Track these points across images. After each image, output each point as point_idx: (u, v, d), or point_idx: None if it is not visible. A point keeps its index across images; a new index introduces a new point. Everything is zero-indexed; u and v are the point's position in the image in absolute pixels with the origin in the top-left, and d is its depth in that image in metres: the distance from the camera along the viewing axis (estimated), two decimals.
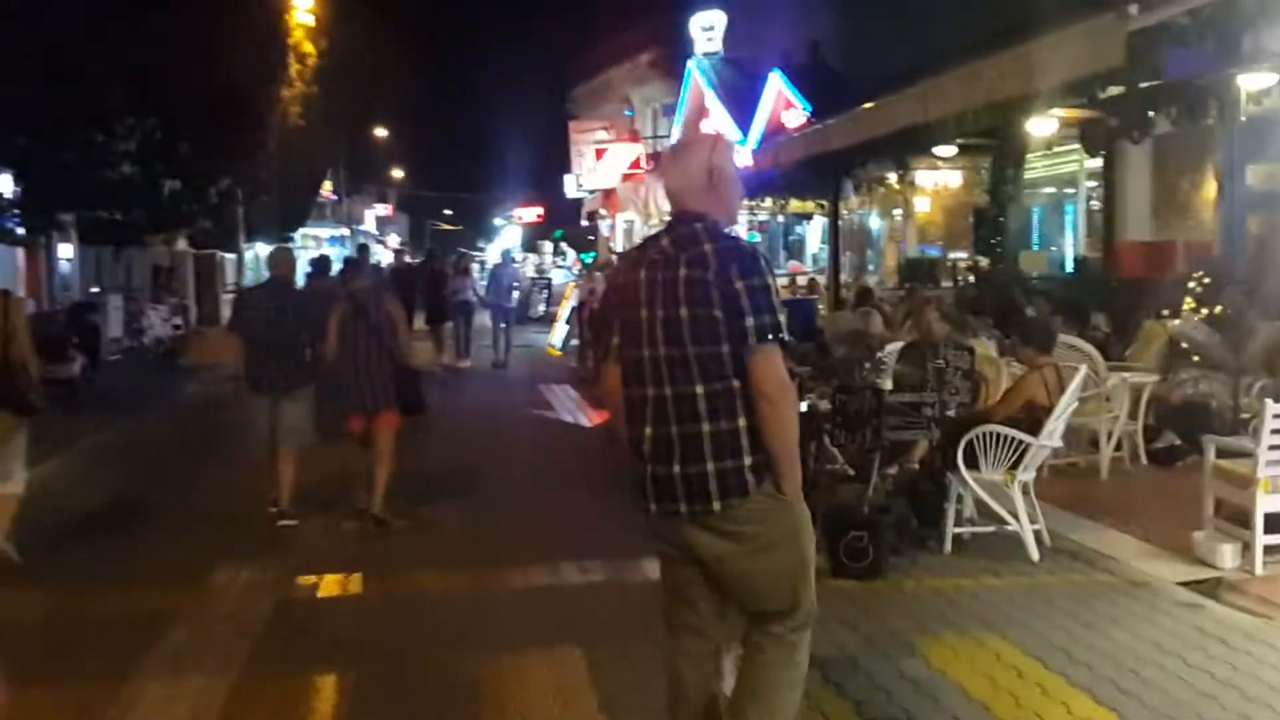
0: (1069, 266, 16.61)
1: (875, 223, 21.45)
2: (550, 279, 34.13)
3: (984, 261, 15.35)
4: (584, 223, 37.40)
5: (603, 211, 33.39)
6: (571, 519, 8.52)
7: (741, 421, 3.39)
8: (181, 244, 29.38)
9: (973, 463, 7.02)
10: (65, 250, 23.58)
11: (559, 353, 22.69)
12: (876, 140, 14.36)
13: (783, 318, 3.40)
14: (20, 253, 21.16)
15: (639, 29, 33.29)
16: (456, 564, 7.42)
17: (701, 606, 3.68)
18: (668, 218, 3.66)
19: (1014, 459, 6.99)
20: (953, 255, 17.39)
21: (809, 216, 24.47)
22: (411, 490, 9.12)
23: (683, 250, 3.45)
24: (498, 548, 7.82)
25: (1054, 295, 13.39)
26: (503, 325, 20.40)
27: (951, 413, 7.22)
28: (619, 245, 30.48)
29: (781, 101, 17.58)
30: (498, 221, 68.07)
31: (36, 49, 15.96)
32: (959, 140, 13.99)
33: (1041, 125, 12.49)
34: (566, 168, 40.67)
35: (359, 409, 8.33)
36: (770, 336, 3.37)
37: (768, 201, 22.26)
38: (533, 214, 52.39)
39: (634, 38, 33.73)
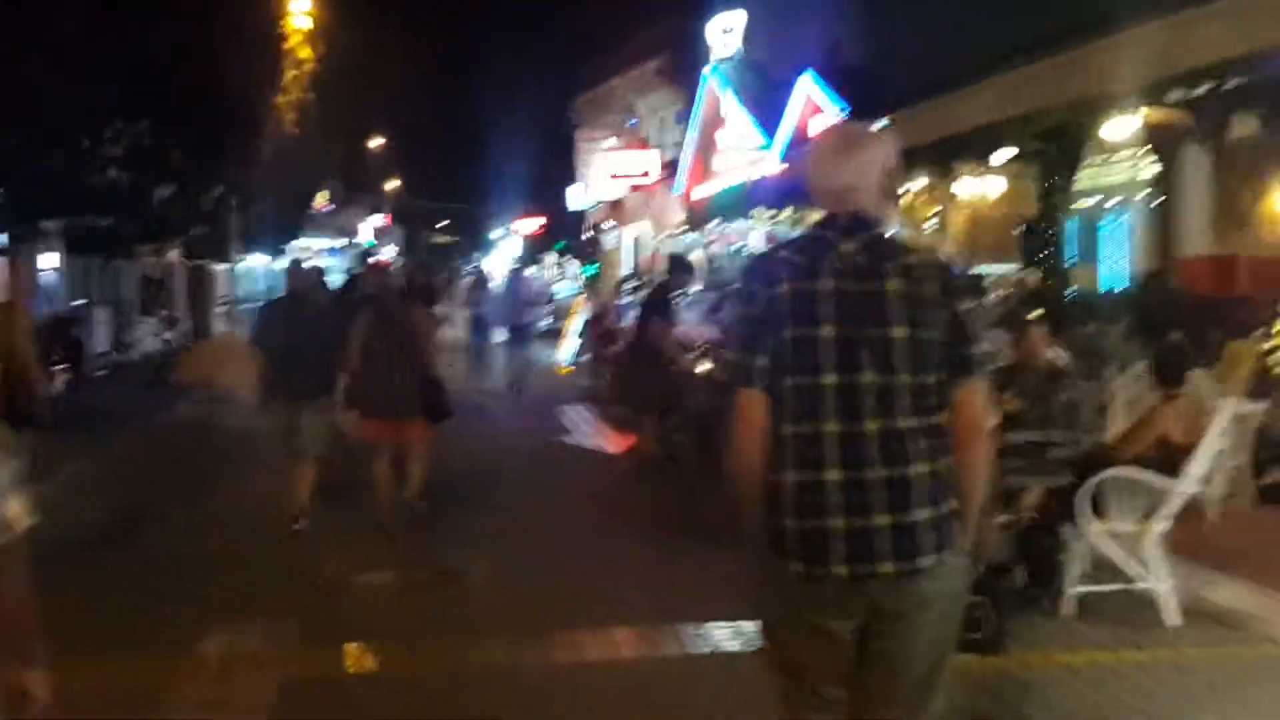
0: (1121, 282, 15.57)
1: (902, 236, 20.45)
2: (553, 292, 33.08)
3: (1032, 276, 14.31)
4: (587, 234, 36.44)
5: (608, 224, 32.40)
6: (623, 570, 7.47)
7: (947, 462, 2.93)
8: (173, 255, 28.34)
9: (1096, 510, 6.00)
10: (50, 260, 22.41)
11: (569, 369, 21.60)
12: (927, 144, 13.35)
13: None
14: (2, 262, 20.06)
15: (645, 36, 32.36)
16: (492, 629, 6.30)
17: (828, 694, 3.09)
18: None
19: (1148, 506, 5.96)
20: (988, 269, 16.39)
21: None
22: (434, 536, 8.09)
23: (884, 259, 2.95)
24: (540, 608, 6.69)
25: (1115, 313, 12.39)
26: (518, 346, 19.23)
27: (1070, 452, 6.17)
28: (627, 257, 29.45)
29: (810, 105, 16.60)
30: (495, 234, 67.06)
31: (33, 52, 15.01)
32: (1013, 145, 12.98)
33: (1116, 127, 11.46)
34: (568, 179, 39.72)
35: (385, 417, 8.51)
36: (983, 368, 3.07)
37: (786, 212, 21.27)
38: (532, 225, 51.28)
39: (640, 45, 32.79)
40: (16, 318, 6.97)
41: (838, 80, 16.06)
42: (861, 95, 15.05)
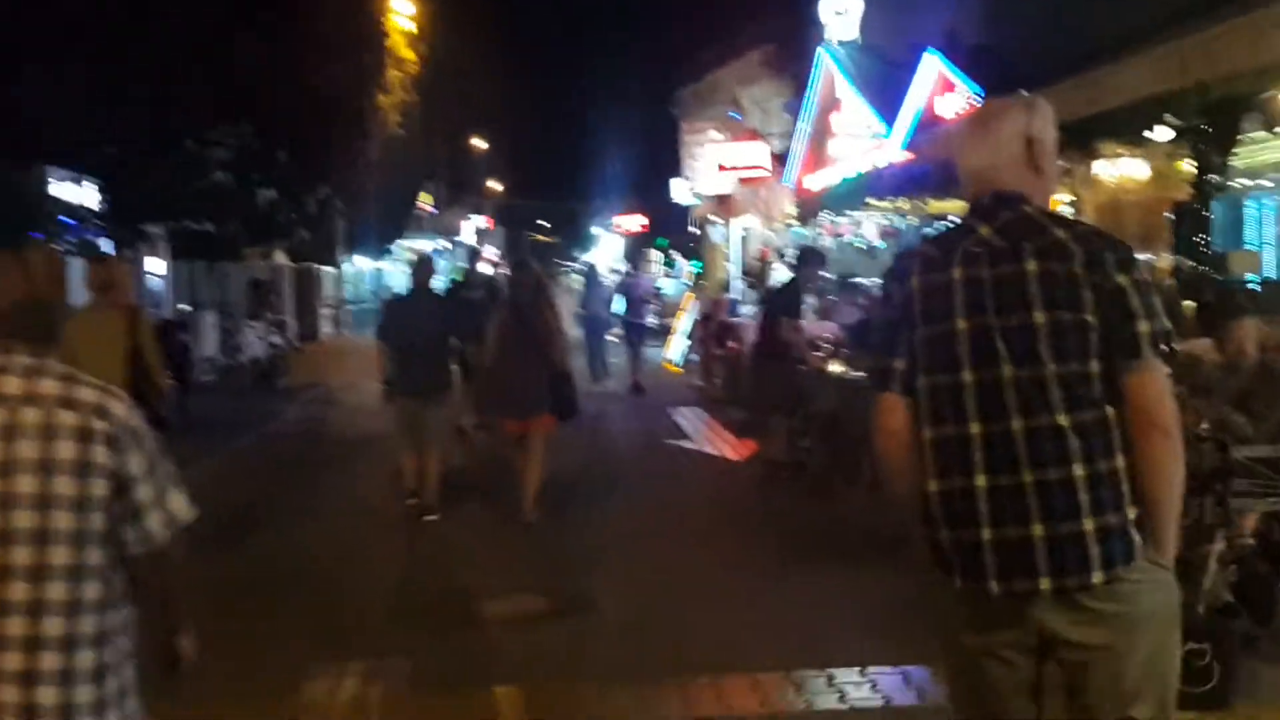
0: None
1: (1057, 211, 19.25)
2: (660, 288, 32.42)
3: (1187, 264, 13.22)
4: (691, 229, 35.67)
5: (713, 218, 31.58)
6: (765, 597, 6.76)
7: (1120, 461, 2.62)
8: (279, 257, 28.31)
9: None
10: (156, 265, 22.32)
11: (678, 369, 20.94)
12: (1069, 123, 12.30)
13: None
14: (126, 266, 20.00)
15: (749, 25, 31.54)
16: (626, 669, 5.61)
17: None
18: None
19: None
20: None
21: (943, 218, 22.40)
22: (553, 554, 7.45)
23: (1022, 239, 2.72)
24: (675, 646, 5.96)
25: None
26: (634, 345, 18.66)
27: None
28: (735, 252, 28.61)
29: (939, 85, 15.67)
30: (595, 230, 66.71)
31: (138, 68, 14.84)
32: (1173, 120, 11.92)
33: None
34: (669, 174, 39.00)
35: (514, 413, 8.65)
36: (1163, 346, 2.66)
37: (900, 203, 20.29)
38: (635, 223, 50.73)
39: (743, 35, 31.96)
40: (141, 320, 6.92)
41: (966, 59, 15.09)
42: (993, 73, 14.08)
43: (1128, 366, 2.61)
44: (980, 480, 2.62)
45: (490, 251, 58.04)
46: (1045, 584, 2.57)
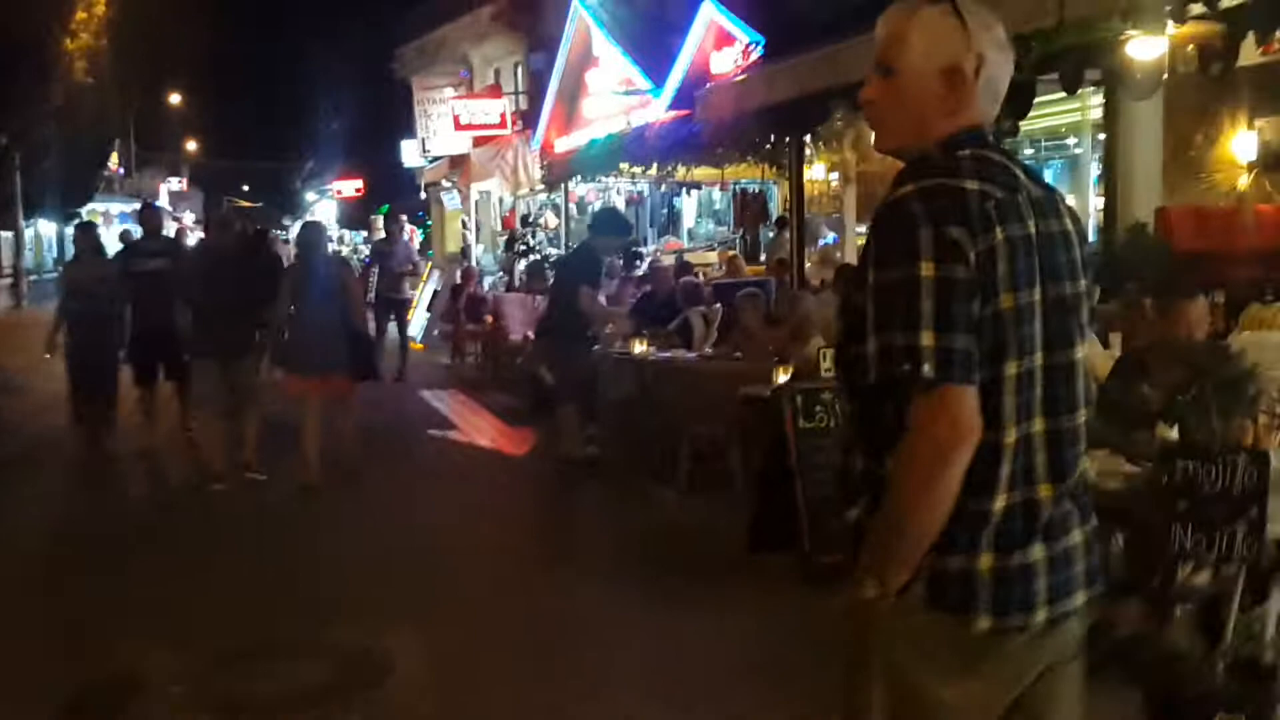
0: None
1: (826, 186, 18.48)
2: (417, 258, 30.34)
3: None
4: (422, 195, 33.68)
5: (446, 182, 29.77)
6: (598, 638, 5.33)
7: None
8: None
9: None
10: None
11: (419, 345, 19.18)
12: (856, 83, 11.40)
13: None
14: None
15: None
16: None
17: None
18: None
19: None
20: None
21: (697, 185, 21.51)
22: (323, 589, 5.84)
23: (1047, 190, 2.26)
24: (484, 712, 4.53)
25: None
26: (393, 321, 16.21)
27: None
28: (473, 220, 26.91)
29: (712, 38, 14.58)
30: (310, 196, 63.20)
31: None
32: None
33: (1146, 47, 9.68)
34: (392, 135, 36.83)
35: (311, 371, 8.47)
36: None
37: (651, 170, 19.18)
38: (352, 187, 48.00)
39: None
40: None
41: (746, 7, 14.03)
42: (779, 22, 13.06)
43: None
44: (1045, 490, 2.17)
45: (187, 217, 53.96)
46: (1080, 599, 2.22)
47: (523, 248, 20.72)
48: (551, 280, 9.98)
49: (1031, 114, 12.47)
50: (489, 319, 15.26)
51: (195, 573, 6.51)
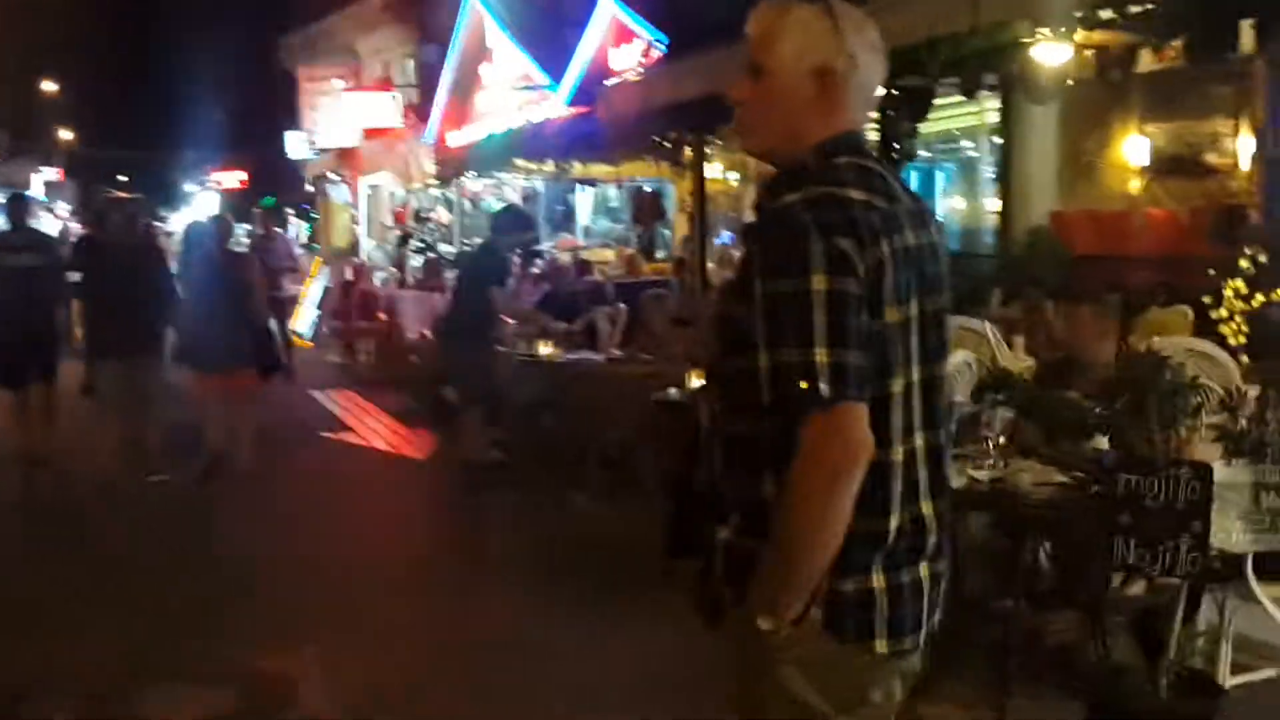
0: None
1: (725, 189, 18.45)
2: (299, 252, 29.64)
3: None
4: (308, 188, 32.89)
5: (332, 175, 29.11)
6: (528, 656, 5.14)
7: None
8: None
9: None
10: None
11: (308, 343, 18.68)
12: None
13: None
14: None
15: None
16: None
17: None
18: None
19: None
20: None
21: (591, 182, 21.37)
22: (227, 606, 5.56)
23: (915, 199, 2.22)
24: None
25: (983, 274, 11.03)
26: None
27: None
28: (363, 214, 26.32)
29: (612, 34, 14.41)
30: (190, 187, 61.41)
31: None
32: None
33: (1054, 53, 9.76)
34: (275, 126, 35.93)
35: (215, 367, 8.24)
36: None
37: (546, 165, 18.95)
38: (235, 179, 46.78)
39: None
40: None
41: (646, 4, 13.87)
42: (680, 20, 12.95)
43: None
44: (926, 507, 2.15)
45: (61, 208, 52.13)
46: (937, 616, 2.20)
47: (418, 244, 20.33)
48: (455, 279, 9.71)
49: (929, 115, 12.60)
50: (382, 316, 14.89)
51: (86, 584, 6.15)
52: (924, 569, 2.13)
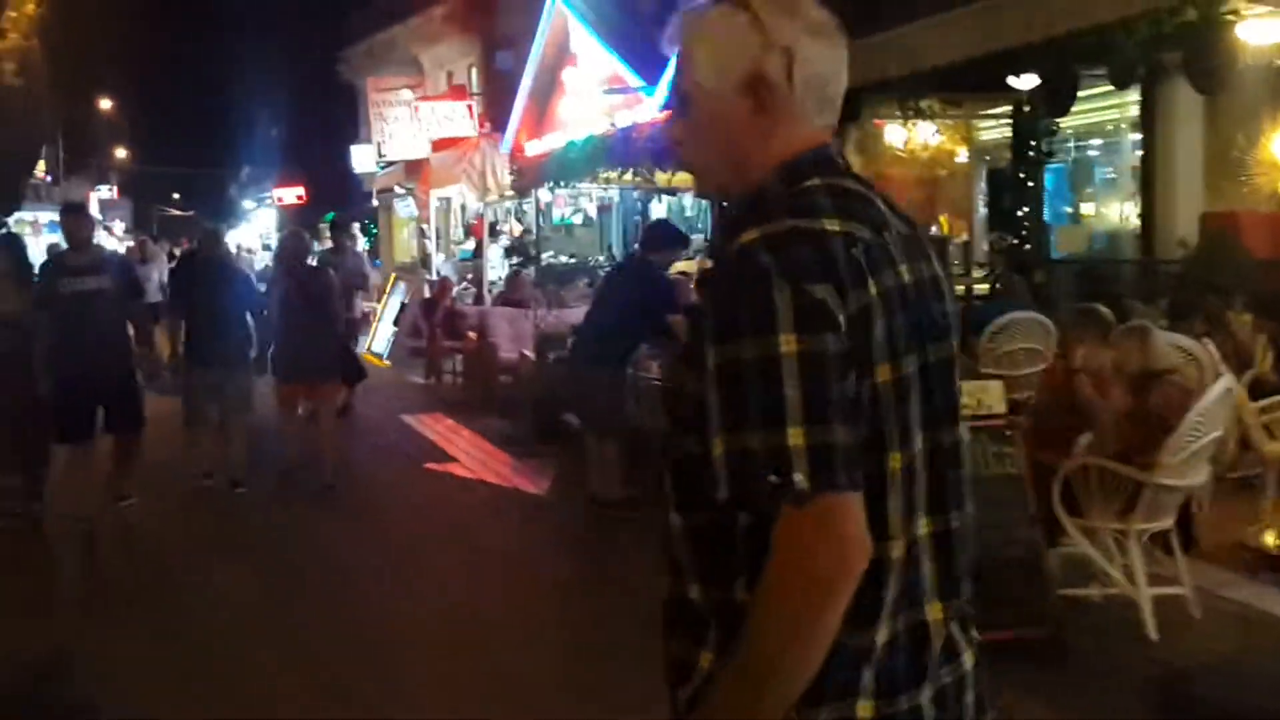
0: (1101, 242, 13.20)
1: None
2: (367, 271, 29.14)
3: (1009, 239, 11.80)
4: (374, 202, 32.33)
5: (400, 188, 28.48)
6: None
7: None
8: None
9: None
10: None
11: (384, 362, 17.95)
12: (889, 80, 10.55)
13: None
14: None
15: None
16: None
17: None
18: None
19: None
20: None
21: (671, 191, 20.47)
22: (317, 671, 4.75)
23: (909, 224, 1.80)
24: None
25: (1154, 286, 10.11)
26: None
27: None
28: (433, 230, 25.60)
29: None
30: (248, 204, 61.37)
31: None
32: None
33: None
34: (335, 139, 35.52)
35: (308, 379, 8.81)
36: None
37: (627, 175, 18.07)
38: (293, 194, 46.43)
39: None
40: None
41: None
42: None
43: None
44: (935, 612, 1.71)
45: (117, 226, 52.26)
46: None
47: (519, 259, 19.62)
48: (597, 297, 8.87)
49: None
50: (471, 335, 14.07)
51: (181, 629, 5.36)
52: (927, 691, 1.70)
